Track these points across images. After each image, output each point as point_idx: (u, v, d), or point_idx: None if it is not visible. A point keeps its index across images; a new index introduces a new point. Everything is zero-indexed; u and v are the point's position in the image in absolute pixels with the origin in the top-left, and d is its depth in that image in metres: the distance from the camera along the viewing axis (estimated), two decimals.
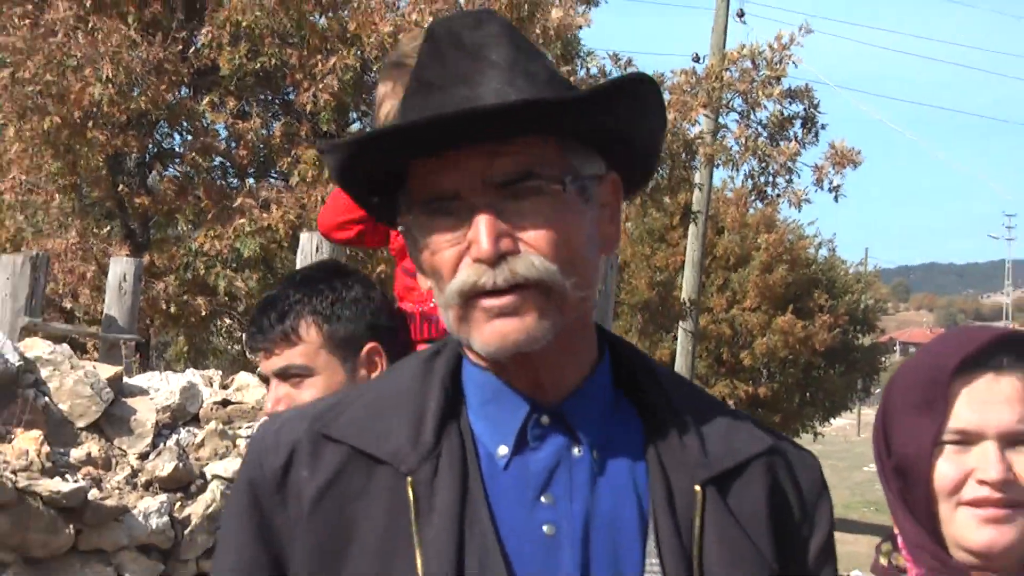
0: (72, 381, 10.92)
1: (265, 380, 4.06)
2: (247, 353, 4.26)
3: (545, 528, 2.45)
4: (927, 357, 3.02)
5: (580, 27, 24.72)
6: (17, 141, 23.45)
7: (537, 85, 2.48)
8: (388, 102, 4.45)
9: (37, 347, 11.24)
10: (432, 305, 4.16)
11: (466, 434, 2.52)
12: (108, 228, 24.66)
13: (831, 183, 27.59)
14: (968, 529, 2.87)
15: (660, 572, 2.43)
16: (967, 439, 2.87)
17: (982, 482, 2.83)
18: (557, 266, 2.44)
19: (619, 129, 2.59)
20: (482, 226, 2.40)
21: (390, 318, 4.16)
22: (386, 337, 4.07)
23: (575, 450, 2.50)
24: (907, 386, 2.99)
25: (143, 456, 10.73)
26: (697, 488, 2.46)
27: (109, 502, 9.96)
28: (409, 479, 2.45)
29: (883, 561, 3.04)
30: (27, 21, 22.51)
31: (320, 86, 22.30)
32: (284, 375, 3.93)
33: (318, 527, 2.46)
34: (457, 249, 2.45)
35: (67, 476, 9.99)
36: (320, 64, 22.57)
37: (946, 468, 2.88)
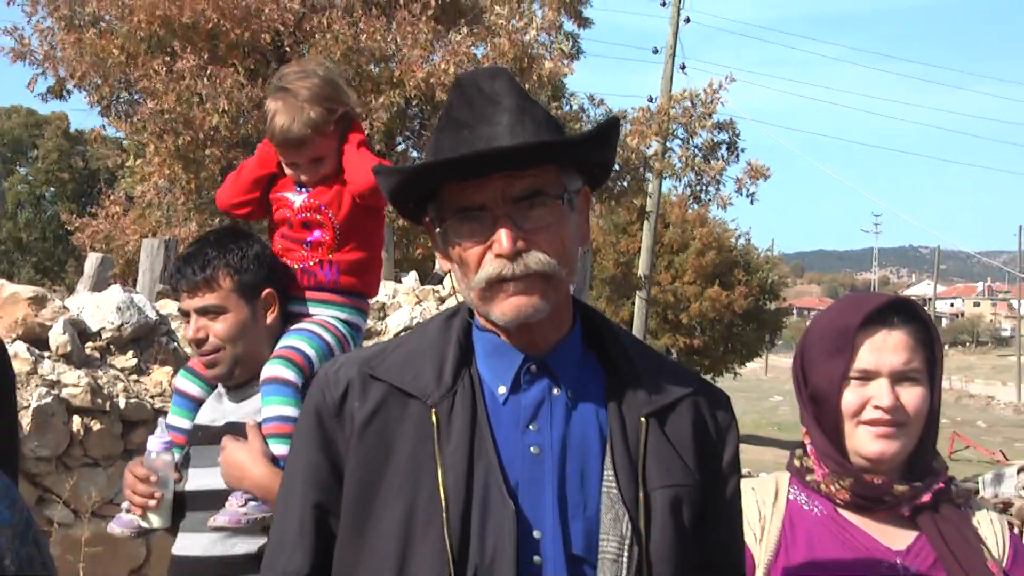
0: None
1: (185, 314, 4.01)
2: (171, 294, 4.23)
3: (532, 449, 2.48)
4: (837, 316, 3.02)
5: (565, 75, 24.18)
6: (156, 155, 23.19)
7: (540, 126, 2.49)
8: (278, 117, 4.13)
9: (168, 306, 11.10)
10: (312, 264, 4.13)
11: (475, 378, 2.53)
12: (217, 220, 23.65)
13: (748, 191, 27.35)
14: (865, 442, 2.89)
15: (614, 481, 2.44)
16: (867, 376, 2.90)
17: (877, 407, 2.87)
18: (556, 260, 2.47)
19: (599, 158, 2.65)
20: (503, 231, 2.43)
21: (281, 271, 4.10)
22: (278, 284, 4.05)
23: (555, 391, 2.53)
24: (821, 337, 2.99)
25: None
26: (642, 420, 2.48)
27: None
28: (433, 410, 2.47)
29: (796, 463, 3.02)
30: (164, 69, 22.23)
31: (373, 118, 21.88)
32: (203, 312, 3.92)
33: (366, 444, 2.49)
34: (482, 247, 2.46)
35: None
36: (373, 101, 22.20)
37: (851, 397, 2.91)
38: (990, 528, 2.99)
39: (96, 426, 9.42)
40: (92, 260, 15.40)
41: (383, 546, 2.44)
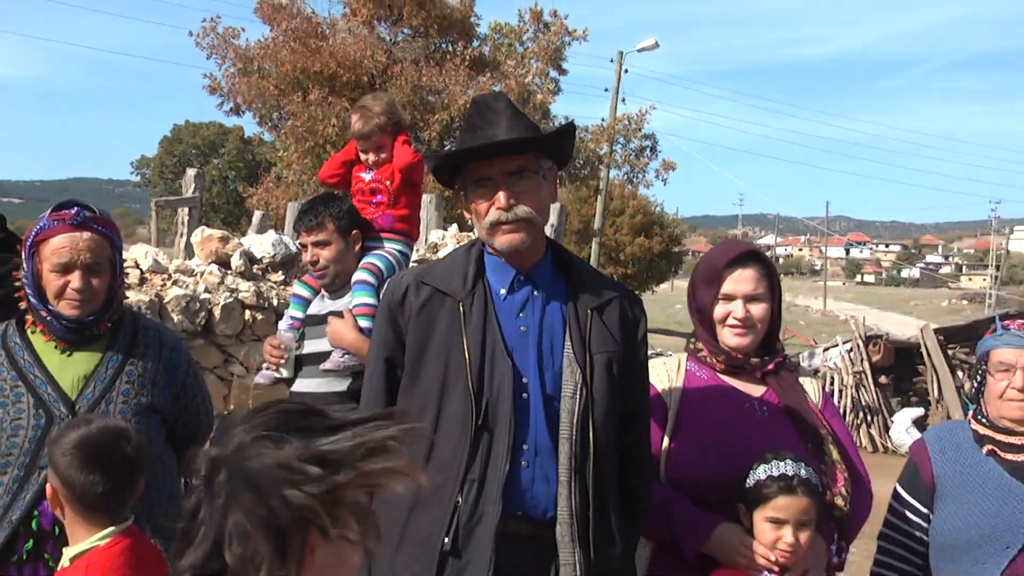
0: None
1: (304, 246, 4.05)
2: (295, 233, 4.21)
3: (522, 328, 2.44)
4: (711, 256, 2.95)
5: (550, 104, 24.23)
6: (295, 153, 23.11)
7: (525, 128, 2.48)
8: (357, 122, 4.26)
9: None
10: (376, 217, 4.17)
11: (486, 284, 2.49)
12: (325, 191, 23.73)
13: (663, 177, 27.31)
14: (729, 338, 2.81)
15: (571, 349, 2.41)
16: (728, 298, 2.82)
17: (735, 317, 2.79)
18: (534, 211, 2.46)
19: (561, 149, 2.61)
20: (502, 193, 2.43)
21: (361, 219, 4.10)
22: (361, 227, 4.04)
23: (535, 292, 2.49)
24: (702, 271, 2.90)
25: None
26: (588, 311, 2.46)
27: None
28: (460, 303, 2.43)
29: (691, 346, 2.94)
30: (300, 98, 22.33)
31: (431, 129, 21.97)
32: (316, 244, 3.95)
33: (418, 324, 2.45)
34: (488, 203, 2.45)
35: None
36: (430, 119, 22.17)
37: (720, 310, 2.82)
38: (810, 385, 2.96)
39: (259, 316, 9.46)
40: (257, 215, 15.51)
41: (429, 388, 2.41)
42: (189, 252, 10.74)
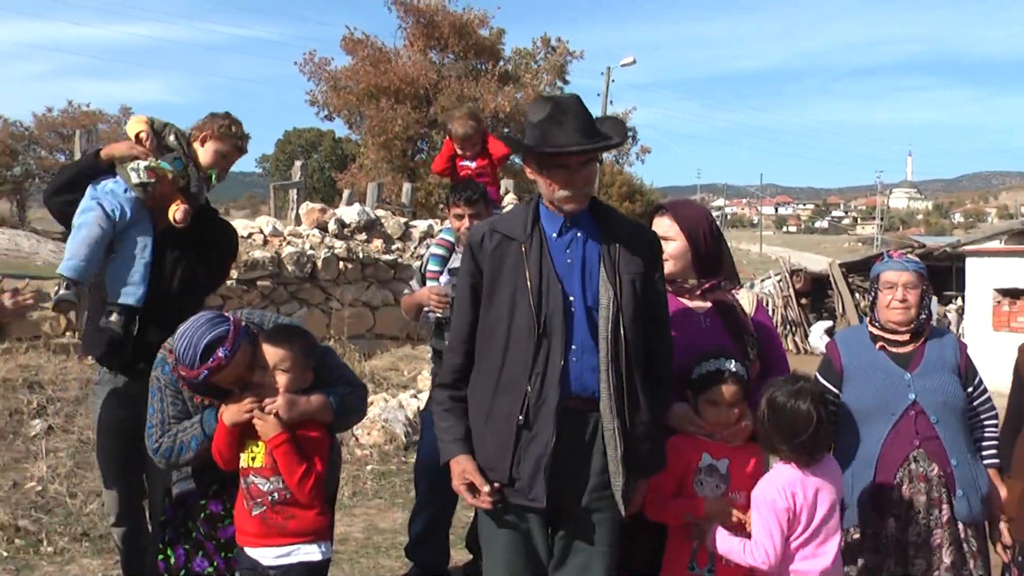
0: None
1: (460, 216, 3.72)
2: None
3: (568, 260, 2.33)
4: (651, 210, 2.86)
5: None
6: (371, 146, 22.96)
7: (594, 131, 2.33)
8: (456, 127, 4.34)
9: (380, 213, 10.70)
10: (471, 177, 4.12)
11: (541, 229, 2.37)
12: (400, 175, 23.66)
13: (642, 158, 27.30)
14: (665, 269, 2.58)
15: (605, 275, 2.32)
16: (664, 239, 2.65)
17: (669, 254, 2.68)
18: (591, 186, 2.35)
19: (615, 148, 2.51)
20: (577, 174, 2.29)
21: (488, 193, 3.95)
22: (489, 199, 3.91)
23: (578, 234, 2.36)
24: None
25: None
26: (617, 246, 2.35)
27: None
28: (522, 244, 2.34)
29: None
30: (373, 106, 22.17)
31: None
32: (473, 215, 3.67)
33: (492, 260, 2.35)
34: (563, 181, 2.29)
35: None
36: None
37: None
38: (745, 298, 2.83)
39: (349, 266, 9.43)
40: (346, 193, 15.36)
41: (502, 307, 2.32)
42: (298, 221, 10.66)
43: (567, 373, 2.26)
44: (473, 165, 4.33)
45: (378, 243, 9.96)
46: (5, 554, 3.92)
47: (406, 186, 15.27)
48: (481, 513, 2.38)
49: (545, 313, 2.28)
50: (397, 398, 6.89)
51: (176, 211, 2.76)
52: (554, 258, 2.34)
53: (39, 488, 4.59)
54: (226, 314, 2.49)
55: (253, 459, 2.42)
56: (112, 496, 2.89)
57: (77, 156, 5.99)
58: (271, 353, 2.41)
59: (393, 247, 10.10)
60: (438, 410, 2.42)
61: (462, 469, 2.30)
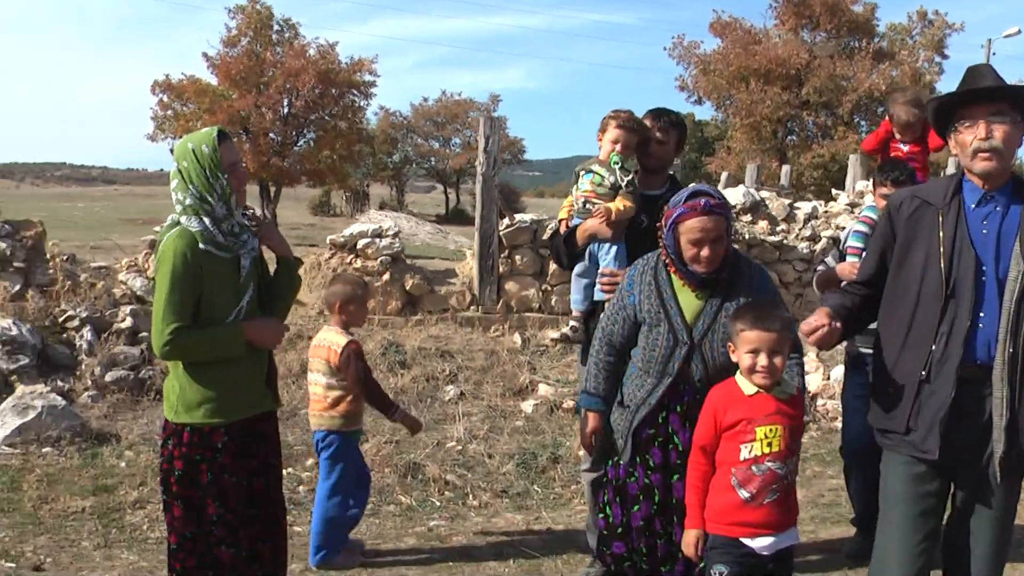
0: None
1: (885, 196, 3.42)
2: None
3: (984, 231, 2.24)
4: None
5: (936, 83, 22.65)
6: (740, 128, 23.28)
7: (1002, 83, 2.26)
8: (898, 112, 4.06)
9: (756, 197, 9.41)
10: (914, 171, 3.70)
11: (961, 199, 2.28)
12: (769, 156, 23.30)
13: None
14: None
15: (1019, 249, 2.20)
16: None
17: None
18: (1004, 144, 2.21)
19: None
20: (982, 124, 2.21)
21: (916, 176, 3.63)
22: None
23: (997, 208, 2.25)
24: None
25: None
26: None
27: None
28: (939, 211, 2.27)
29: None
30: (743, 88, 22.26)
31: (843, 108, 21.12)
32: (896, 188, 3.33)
33: (910, 224, 2.32)
34: (972, 135, 2.22)
35: None
36: (843, 100, 21.36)
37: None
38: None
39: (735, 248, 8.26)
40: (724, 176, 15.22)
41: (913, 270, 2.31)
42: None
43: (972, 337, 2.22)
44: (905, 149, 4.10)
45: (763, 224, 9.20)
46: (439, 504, 4.21)
47: (784, 168, 14.63)
48: (882, 466, 2.42)
49: (955, 277, 2.22)
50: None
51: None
52: (971, 227, 2.25)
53: (459, 448, 4.83)
54: None
55: (769, 445, 2.35)
56: (598, 446, 2.88)
57: (480, 141, 6.63)
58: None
59: (778, 228, 9.28)
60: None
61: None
